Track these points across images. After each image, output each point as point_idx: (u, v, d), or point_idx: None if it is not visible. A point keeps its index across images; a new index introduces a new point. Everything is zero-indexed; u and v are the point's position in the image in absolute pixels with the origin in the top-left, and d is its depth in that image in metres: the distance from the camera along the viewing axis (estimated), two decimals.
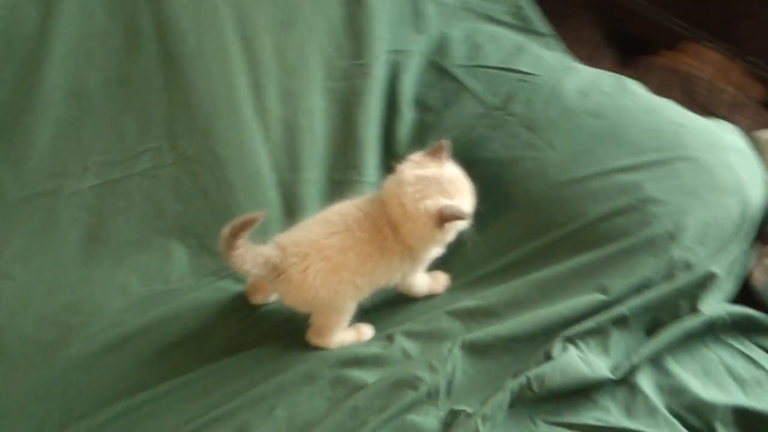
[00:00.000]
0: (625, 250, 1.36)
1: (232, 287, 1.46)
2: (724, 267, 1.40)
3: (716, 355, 1.33)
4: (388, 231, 1.32)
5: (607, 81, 1.63)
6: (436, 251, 1.40)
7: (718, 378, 1.31)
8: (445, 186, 1.31)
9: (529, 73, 1.65)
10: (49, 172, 1.46)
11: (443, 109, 1.65)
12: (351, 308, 1.37)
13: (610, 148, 1.48)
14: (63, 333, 1.35)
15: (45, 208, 1.45)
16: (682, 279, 1.35)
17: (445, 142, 1.34)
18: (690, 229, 1.38)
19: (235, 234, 1.25)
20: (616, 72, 1.69)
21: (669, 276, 1.35)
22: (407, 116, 1.67)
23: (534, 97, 1.59)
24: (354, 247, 1.31)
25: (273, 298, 1.45)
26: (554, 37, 1.88)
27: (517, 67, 1.67)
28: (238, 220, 1.24)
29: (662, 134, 1.50)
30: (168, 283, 1.45)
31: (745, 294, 1.46)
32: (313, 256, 1.30)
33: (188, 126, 1.52)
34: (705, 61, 1.95)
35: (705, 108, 1.82)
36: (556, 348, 1.28)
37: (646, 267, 1.35)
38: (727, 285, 1.42)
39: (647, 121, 1.53)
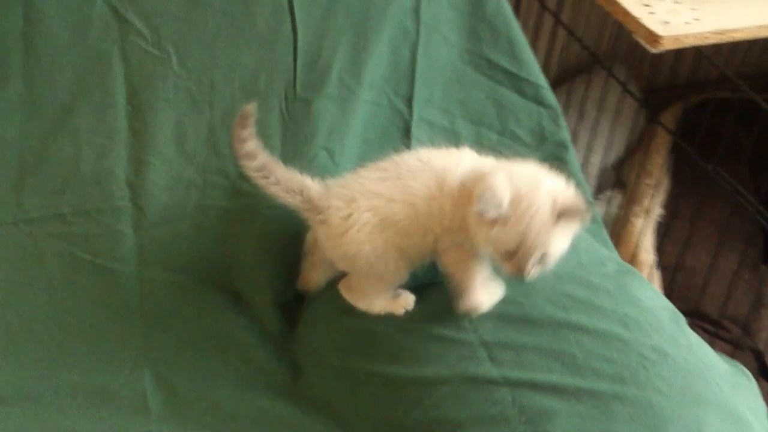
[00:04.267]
0: None
1: None
2: None
3: None
4: (446, 189, 1.15)
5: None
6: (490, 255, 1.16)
7: None
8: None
9: None
10: None
11: None
12: (396, 276, 1.22)
13: None
14: None
15: None
16: None
17: None
18: None
19: (243, 124, 1.16)
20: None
21: None
22: None
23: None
24: (403, 199, 1.16)
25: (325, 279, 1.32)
26: None
27: None
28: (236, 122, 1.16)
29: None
30: None
31: None
32: (359, 203, 1.17)
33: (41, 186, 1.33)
34: None
35: None
36: None
37: None
38: None
39: None
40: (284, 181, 1.19)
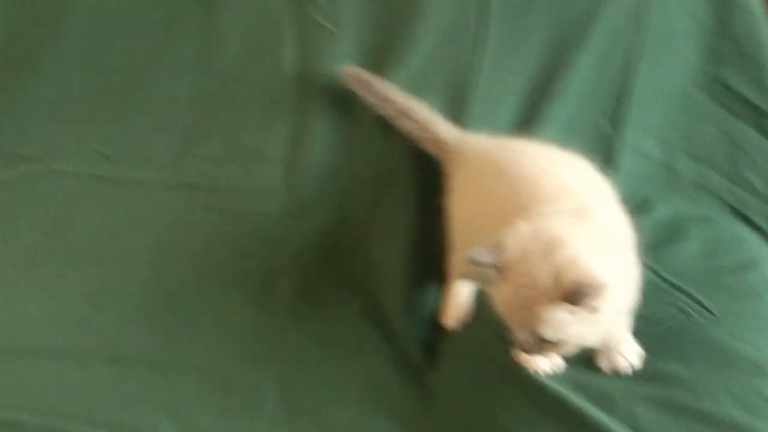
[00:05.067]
0: None
1: None
2: None
3: None
4: None
5: None
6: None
7: None
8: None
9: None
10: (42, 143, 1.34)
11: None
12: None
13: None
14: None
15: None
16: None
17: None
18: None
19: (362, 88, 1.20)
20: None
21: None
22: None
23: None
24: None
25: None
26: None
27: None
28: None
29: None
30: None
31: None
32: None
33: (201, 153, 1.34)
34: None
35: None
36: None
37: None
38: None
39: None
40: (423, 123, 1.20)
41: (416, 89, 1.25)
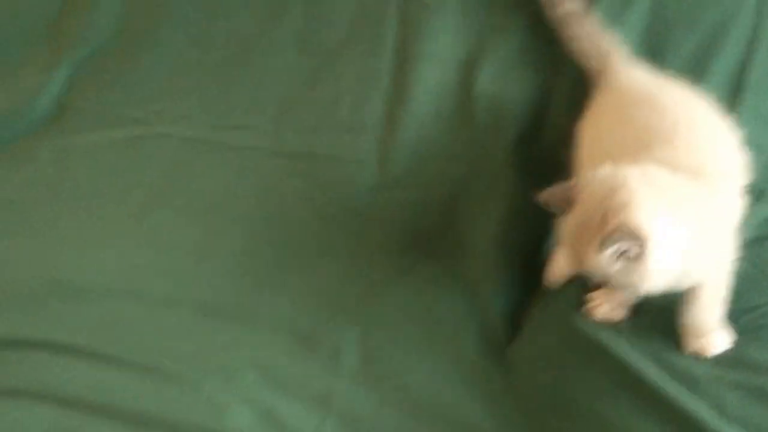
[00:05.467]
0: None
1: None
2: None
3: None
4: None
5: None
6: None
7: None
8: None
9: None
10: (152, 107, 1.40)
11: None
12: None
13: None
14: None
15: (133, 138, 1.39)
16: None
17: None
18: None
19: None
20: None
21: None
22: None
23: None
24: None
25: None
26: None
27: None
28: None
29: None
30: None
31: None
32: None
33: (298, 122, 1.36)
34: None
35: None
36: None
37: None
38: None
39: None
40: (585, 36, 1.20)
41: None
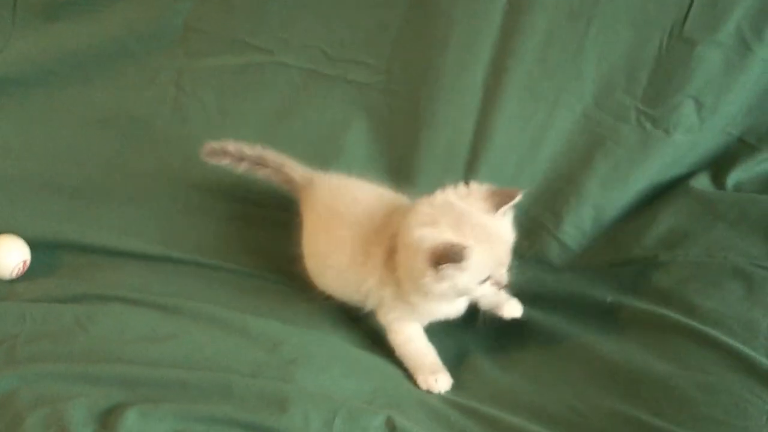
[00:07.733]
0: None
1: None
2: None
3: None
4: (383, 243, 1.10)
5: None
6: (438, 309, 1.11)
7: None
8: (465, 225, 1.02)
9: None
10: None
11: None
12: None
13: None
14: None
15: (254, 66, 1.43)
16: None
17: (519, 193, 1.05)
18: None
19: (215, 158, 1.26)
20: None
21: None
22: None
23: None
24: (344, 236, 1.14)
25: None
26: None
27: None
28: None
29: None
30: None
31: None
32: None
33: (412, 61, 1.37)
34: None
35: None
36: None
37: None
38: None
39: None
40: (275, 167, 1.27)
41: None
